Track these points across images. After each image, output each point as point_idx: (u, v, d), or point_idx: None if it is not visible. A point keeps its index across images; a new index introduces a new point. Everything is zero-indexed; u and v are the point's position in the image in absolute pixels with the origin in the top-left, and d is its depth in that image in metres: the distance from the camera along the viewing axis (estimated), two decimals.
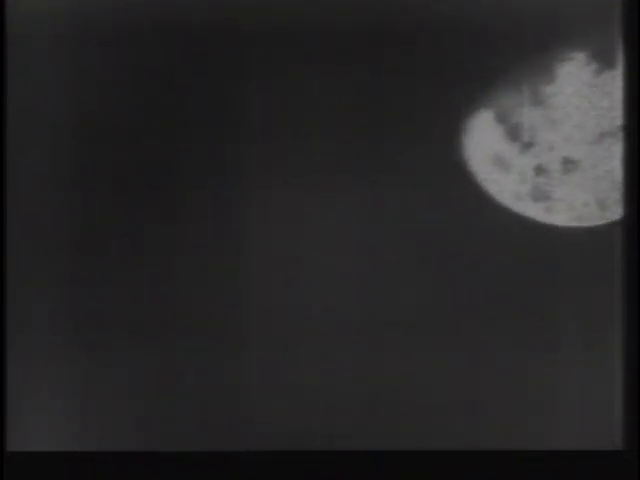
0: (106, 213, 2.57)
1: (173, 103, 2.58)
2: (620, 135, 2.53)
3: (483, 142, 2.59)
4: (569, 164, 2.57)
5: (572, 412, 2.55)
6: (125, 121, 2.58)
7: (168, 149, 2.58)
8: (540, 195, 2.58)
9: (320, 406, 2.56)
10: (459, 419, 2.56)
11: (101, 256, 2.57)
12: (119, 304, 2.56)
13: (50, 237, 2.58)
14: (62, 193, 2.58)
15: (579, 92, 2.58)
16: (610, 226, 2.56)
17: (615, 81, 2.56)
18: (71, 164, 2.58)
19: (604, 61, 2.57)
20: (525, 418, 2.55)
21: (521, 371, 2.56)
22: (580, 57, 2.57)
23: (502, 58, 2.57)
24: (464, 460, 2.49)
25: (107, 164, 2.58)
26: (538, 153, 2.58)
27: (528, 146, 2.58)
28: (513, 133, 2.58)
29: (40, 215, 2.58)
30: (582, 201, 2.58)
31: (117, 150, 2.58)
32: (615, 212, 2.55)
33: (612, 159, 2.56)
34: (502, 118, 2.58)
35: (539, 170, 2.58)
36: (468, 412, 2.56)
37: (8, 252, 2.54)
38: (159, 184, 2.58)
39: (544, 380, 2.56)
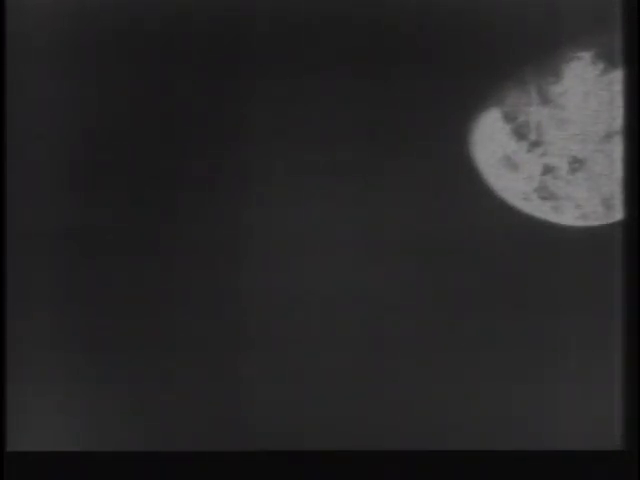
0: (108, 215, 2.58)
1: (174, 104, 2.58)
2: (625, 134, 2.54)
3: (491, 141, 2.58)
4: (576, 163, 2.57)
5: (572, 412, 2.55)
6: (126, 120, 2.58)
7: (168, 149, 2.57)
8: (547, 194, 2.58)
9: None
10: (457, 417, 2.56)
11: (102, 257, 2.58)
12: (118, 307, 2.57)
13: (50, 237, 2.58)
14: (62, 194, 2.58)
15: (586, 91, 2.58)
16: (615, 225, 2.56)
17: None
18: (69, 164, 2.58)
19: (611, 60, 2.57)
20: (525, 417, 2.56)
21: (521, 370, 2.56)
22: (587, 56, 2.57)
23: (508, 58, 2.57)
24: (464, 460, 2.50)
25: (106, 164, 2.57)
26: (545, 152, 2.58)
27: (535, 145, 2.57)
28: (520, 132, 2.58)
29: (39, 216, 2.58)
30: (588, 200, 2.58)
31: (118, 150, 2.57)
32: (621, 211, 2.56)
33: (618, 158, 2.56)
34: (509, 117, 2.58)
35: (546, 169, 2.58)
36: (467, 410, 2.56)
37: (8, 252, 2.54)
38: (160, 185, 2.57)
39: (544, 379, 2.56)
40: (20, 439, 2.55)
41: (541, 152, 2.58)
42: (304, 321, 2.57)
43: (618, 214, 2.56)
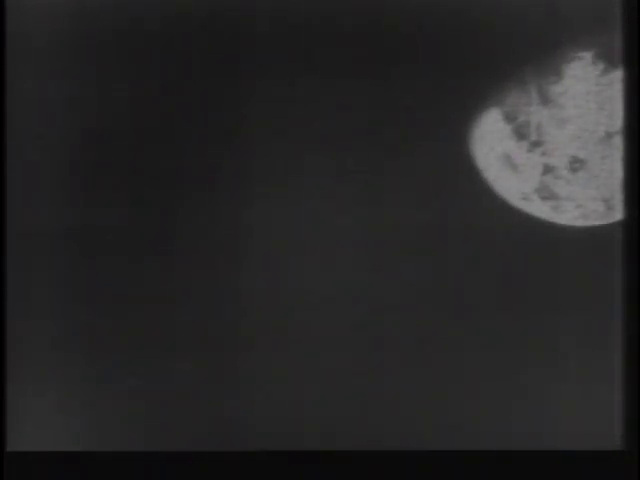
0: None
1: (174, 104, 2.58)
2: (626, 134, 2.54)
3: (491, 141, 2.58)
4: (576, 163, 2.57)
5: (572, 412, 2.55)
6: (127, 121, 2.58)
7: (168, 149, 2.57)
8: (547, 194, 2.58)
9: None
10: (457, 417, 2.56)
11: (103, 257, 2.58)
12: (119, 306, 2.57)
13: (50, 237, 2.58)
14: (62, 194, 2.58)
15: (586, 91, 2.57)
16: (615, 225, 2.56)
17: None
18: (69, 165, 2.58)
19: (611, 60, 2.56)
20: (525, 417, 2.56)
21: (521, 370, 2.56)
22: (587, 56, 2.57)
23: (508, 58, 2.57)
24: (464, 460, 2.50)
25: (106, 164, 2.57)
26: (545, 152, 2.58)
27: (535, 145, 2.57)
28: (521, 132, 2.58)
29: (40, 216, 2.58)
30: (588, 200, 2.58)
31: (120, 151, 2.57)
32: (621, 211, 2.56)
33: (618, 158, 2.56)
34: (510, 117, 2.58)
35: (546, 169, 2.58)
36: (467, 410, 2.56)
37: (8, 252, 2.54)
38: (160, 185, 2.57)
39: (544, 379, 2.56)
40: (20, 439, 2.55)
41: (541, 152, 2.58)
42: (304, 321, 2.57)
43: (618, 214, 2.56)
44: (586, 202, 2.58)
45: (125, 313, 2.56)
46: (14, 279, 2.54)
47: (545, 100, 2.57)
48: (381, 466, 2.51)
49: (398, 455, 2.51)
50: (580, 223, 2.58)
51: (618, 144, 2.56)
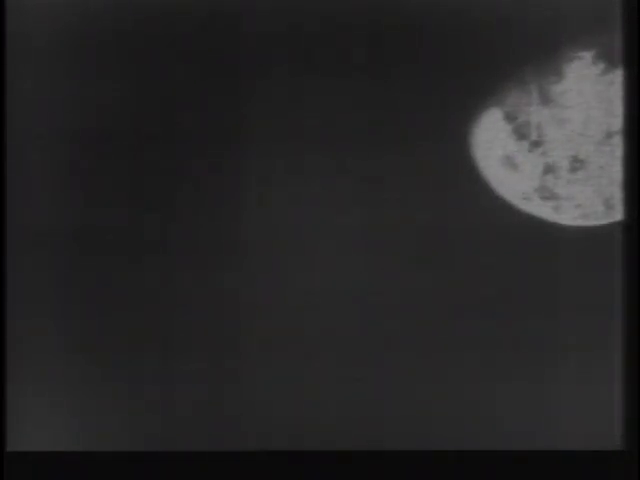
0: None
1: (174, 103, 2.58)
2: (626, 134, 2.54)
3: (491, 141, 2.58)
4: (576, 163, 2.57)
5: (572, 412, 2.55)
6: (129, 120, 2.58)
7: (168, 149, 2.57)
8: (548, 194, 2.58)
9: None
10: (457, 417, 2.56)
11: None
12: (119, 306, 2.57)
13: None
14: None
15: (586, 91, 2.58)
16: (615, 225, 2.56)
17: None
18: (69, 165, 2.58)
19: (611, 60, 2.57)
20: (525, 417, 2.56)
21: (521, 370, 2.56)
22: (587, 56, 2.57)
23: (508, 58, 2.57)
24: (464, 460, 2.50)
25: (106, 164, 2.57)
26: (546, 152, 2.58)
27: (536, 145, 2.58)
28: (521, 132, 2.58)
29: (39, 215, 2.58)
30: (588, 200, 2.58)
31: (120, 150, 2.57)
32: (621, 211, 2.56)
33: (618, 158, 2.56)
34: (510, 117, 2.58)
35: (547, 169, 2.58)
36: (467, 409, 2.56)
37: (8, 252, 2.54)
38: (160, 185, 2.57)
39: (544, 379, 2.56)
40: (20, 439, 2.55)
41: (541, 152, 2.58)
42: (304, 321, 2.56)
43: (618, 214, 2.56)
44: (586, 202, 2.58)
45: (125, 313, 2.56)
46: (14, 279, 2.54)
47: (545, 100, 2.57)
48: (381, 466, 2.51)
49: (398, 455, 2.51)
50: (580, 223, 2.58)
51: (618, 144, 2.56)
